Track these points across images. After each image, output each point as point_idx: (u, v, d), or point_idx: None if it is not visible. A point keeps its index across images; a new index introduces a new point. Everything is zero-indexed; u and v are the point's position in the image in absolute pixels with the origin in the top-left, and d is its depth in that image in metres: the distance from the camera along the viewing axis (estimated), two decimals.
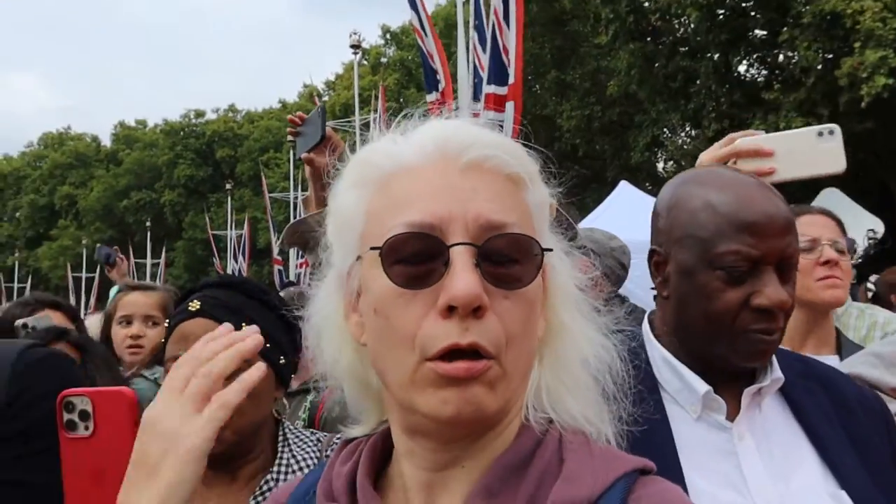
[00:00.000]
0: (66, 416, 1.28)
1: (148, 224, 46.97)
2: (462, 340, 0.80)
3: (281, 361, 1.67)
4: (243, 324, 1.59)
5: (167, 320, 1.71)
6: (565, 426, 0.92)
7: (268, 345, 1.59)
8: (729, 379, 1.44)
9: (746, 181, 1.47)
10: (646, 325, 1.57)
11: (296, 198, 27.12)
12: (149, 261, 40.89)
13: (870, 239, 15.44)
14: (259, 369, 1.08)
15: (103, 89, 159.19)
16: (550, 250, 0.88)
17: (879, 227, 16.43)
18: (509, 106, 6.75)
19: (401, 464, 0.93)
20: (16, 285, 45.03)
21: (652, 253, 1.53)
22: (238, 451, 1.60)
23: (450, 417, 0.82)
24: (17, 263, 54.85)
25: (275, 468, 1.63)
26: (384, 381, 0.89)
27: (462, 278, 0.80)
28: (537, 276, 0.86)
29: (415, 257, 0.83)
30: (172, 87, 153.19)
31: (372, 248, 0.85)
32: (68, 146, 69.00)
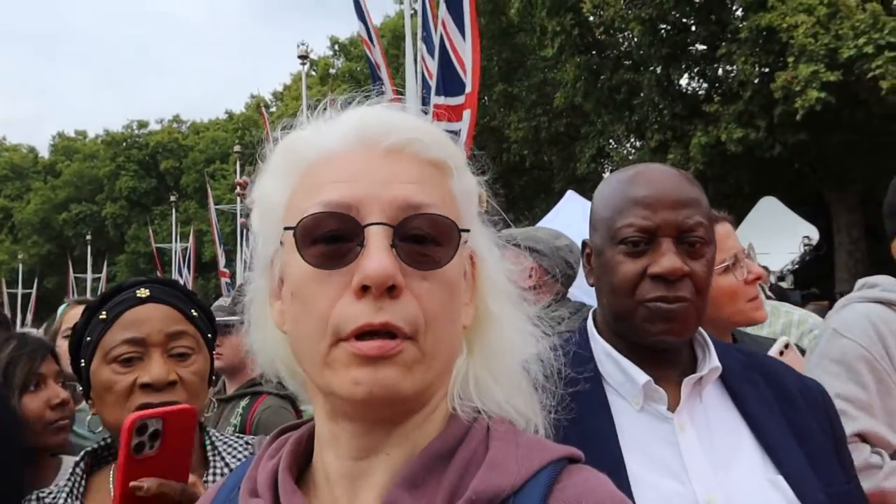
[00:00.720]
0: (136, 440, 1.28)
1: (88, 237, 45.56)
2: (375, 320, 0.80)
3: (214, 356, 1.72)
4: (192, 311, 1.64)
5: (102, 311, 1.63)
6: (493, 416, 0.92)
7: (209, 335, 1.67)
8: (668, 368, 1.49)
9: (655, 166, 1.57)
10: (590, 321, 1.62)
11: (242, 210, 26.68)
12: (89, 275, 39.63)
13: (805, 245, 16.04)
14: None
15: (42, 99, 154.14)
16: (468, 231, 0.88)
17: (814, 234, 17.08)
18: (466, 114, 6.83)
19: (324, 455, 0.92)
20: None
21: (583, 246, 1.63)
22: None
23: (362, 398, 0.81)
24: None
25: (209, 477, 1.60)
26: (302, 366, 0.89)
27: (375, 258, 0.80)
28: (455, 257, 0.85)
29: (330, 237, 0.83)
30: (114, 97, 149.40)
31: (286, 229, 0.86)
32: (3, 157, 66.45)
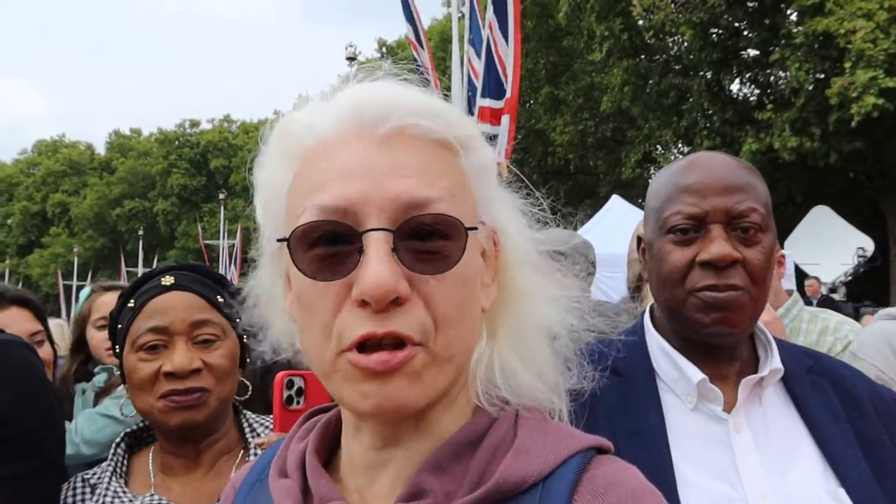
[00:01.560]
0: (286, 393, 1.55)
1: (140, 233, 46.79)
2: (378, 329, 0.76)
3: (244, 339, 1.69)
4: (219, 297, 1.64)
5: (129, 300, 1.66)
6: (522, 404, 0.89)
7: (238, 319, 1.65)
8: (725, 366, 1.43)
9: (710, 154, 1.52)
10: (647, 315, 1.57)
11: None
12: (140, 269, 40.71)
13: (859, 257, 15.57)
14: None
15: (99, 97, 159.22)
16: (475, 228, 0.81)
17: (869, 245, 16.54)
18: (505, 119, 6.81)
19: (349, 442, 0.90)
20: None
21: (639, 241, 1.57)
22: (211, 426, 1.61)
23: (370, 412, 0.79)
24: (7, 271, 54.58)
25: (249, 456, 1.64)
26: (314, 370, 0.86)
27: (373, 270, 0.74)
28: (464, 254, 0.79)
29: (327, 246, 0.78)
30: (168, 95, 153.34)
31: (279, 240, 0.82)
32: (62, 153, 68.84)
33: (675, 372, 1.44)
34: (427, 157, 0.81)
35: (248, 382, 1.73)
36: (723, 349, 1.44)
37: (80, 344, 3.14)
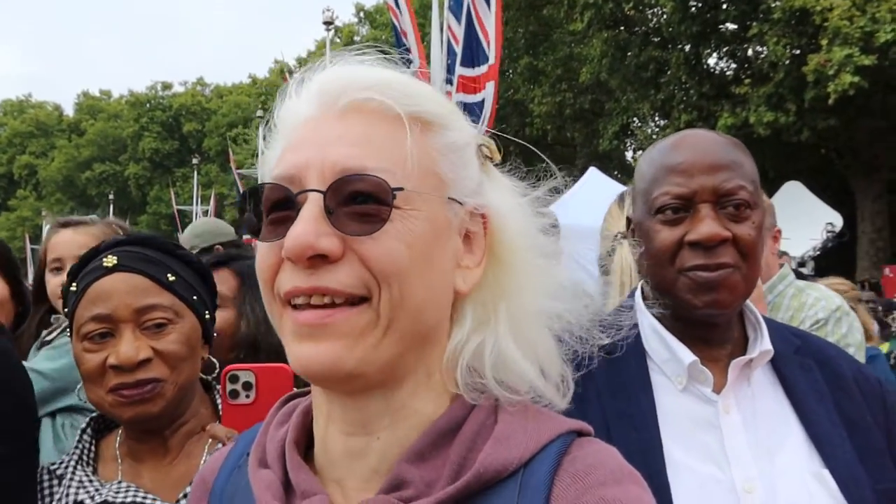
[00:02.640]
0: (230, 387, 1.50)
1: (111, 197, 46.10)
2: (303, 284, 0.78)
3: (206, 316, 1.58)
4: (168, 276, 1.50)
5: (72, 282, 1.53)
6: (506, 390, 0.87)
7: (194, 297, 1.54)
8: (716, 347, 1.43)
9: (697, 132, 1.52)
10: (638, 294, 1.56)
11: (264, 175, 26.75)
12: None
13: (828, 232, 15.85)
14: None
15: (67, 57, 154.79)
16: (401, 189, 0.80)
17: (838, 220, 16.83)
18: (490, 85, 6.77)
19: (325, 427, 0.89)
20: None
21: (628, 222, 1.57)
22: (172, 414, 1.51)
23: (305, 373, 0.80)
24: None
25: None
26: None
27: (296, 227, 0.77)
28: (396, 220, 0.79)
29: (277, 209, 0.82)
30: (139, 57, 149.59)
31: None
32: (28, 114, 67.02)
33: (665, 352, 1.44)
34: (375, 130, 0.82)
35: (215, 360, 1.62)
36: (715, 330, 1.44)
37: (41, 290, 2.67)
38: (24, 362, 2.28)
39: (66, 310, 1.54)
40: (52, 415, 2.29)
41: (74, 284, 1.52)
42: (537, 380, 0.88)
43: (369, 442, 0.85)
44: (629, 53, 22.06)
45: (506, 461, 0.80)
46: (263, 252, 0.83)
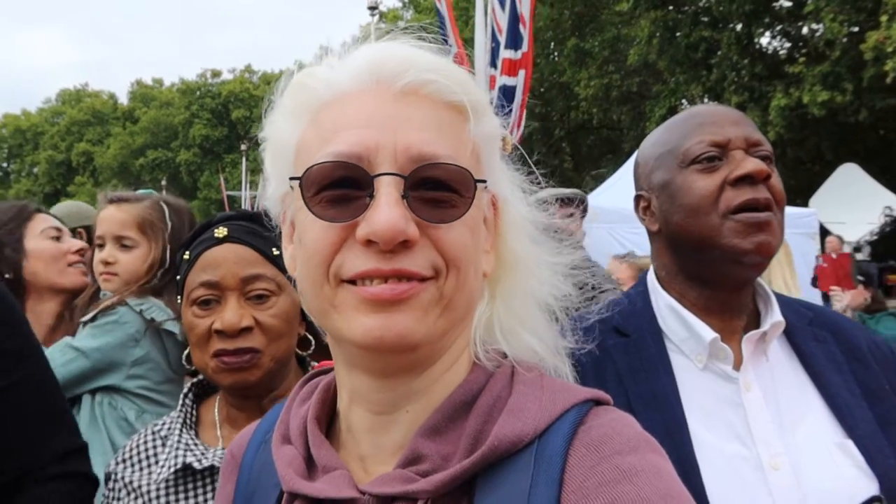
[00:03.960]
0: None
1: (163, 183, 47.06)
2: (384, 266, 0.77)
3: None
4: (273, 250, 1.55)
5: (185, 251, 1.61)
6: (519, 360, 0.90)
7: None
8: (734, 319, 1.43)
9: (702, 105, 1.56)
10: (650, 275, 1.56)
11: None
12: None
13: (886, 216, 15.28)
14: None
15: (121, 46, 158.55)
16: (484, 181, 0.84)
17: None
18: (521, 73, 6.71)
19: (348, 406, 0.90)
20: None
21: (637, 199, 1.56)
22: (270, 384, 1.57)
23: (372, 344, 0.79)
24: None
25: None
26: (310, 312, 0.87)
27: (384, 211, 0.76)
28: (470, 208, 0.81)
29: (338, 188, 0.80)
30: (189, 45, 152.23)
31: (292, 179, 0.84)
32: (86, 103, 69.00)
33: (684, 331, 1.43)
34: (439, 118, 0.83)
35: (311, 337, 1.67)
36: (740, 294, 1.43)
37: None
38: (67, 338, 2.36)
39: (178, 277, 1.63)
40: (92, 393, 2.30)
41: (187, 253, 1.60)
42: (538, 347, 0.92)
43: (396, 417, 0.86)
44: (678, 34, 21.54)
45: (520, 432, 0.80)
46: (320, 230, 0.81)
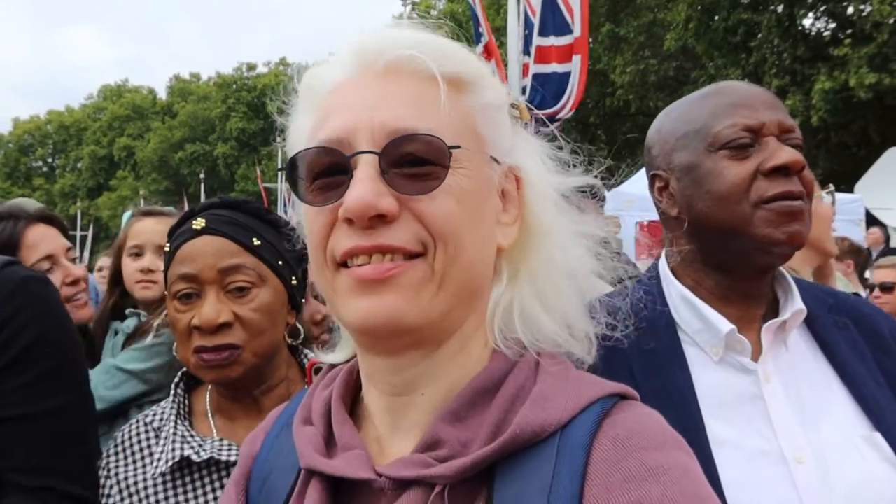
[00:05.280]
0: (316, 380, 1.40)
1: (202, 176, 47.87)
2: (364, 243, 0.78)
3: (292, 282, 1.58)
4: (253, 240, 1.51)
5: (168, 243, 1.59)
6: (542, 351, 0.88)
7: (279, 262, 1.53)
8: (753, 308, 1.36)
9: (726, 81, 1.45)
10: (662, 263, 1.48)
11: None
12: None
13: None
14: None
15: (158, 42, 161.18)
16: (458, 147, 0.81)
17: None
18: (576, 59, 6.62)
19: (367, 388, 0.92)
20: (78, 233, 46.76)
21: (653, 179, 1.47)
22: (257, 377, 1.53)
23: (362, 327, 0.80)
24: (79, 212, 56.88)
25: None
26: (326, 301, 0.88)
27: (355, 188, 0.78)
28: (448, 177, 0.80)
29: (324, 173, 0.82)
30: (224, 39, 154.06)
31: (278, 170, 0.85)
32: (126, 98, 70.45)
33: (698, 322, 1.36)
34: (419, 90, 0.83)
35: (300, 326, 1.63)
36: (762, 282, 1.36)
37: (117, 276, 2.71)
38: (111, 360, 2.31)
39: (164, 271, 1.59)
40: (140, 405, 2.30)
41: (168, 245, 1.57)
42: (560, 335, 0.89)
43: (412, 399, 0.86)
44: (716, 17, 21.08)
45: (544, 422, 0.79)
46: (313, 216, 0.84)
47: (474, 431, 0.81)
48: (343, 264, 0.81)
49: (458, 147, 0.81)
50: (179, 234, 1.55)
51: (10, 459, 1.39)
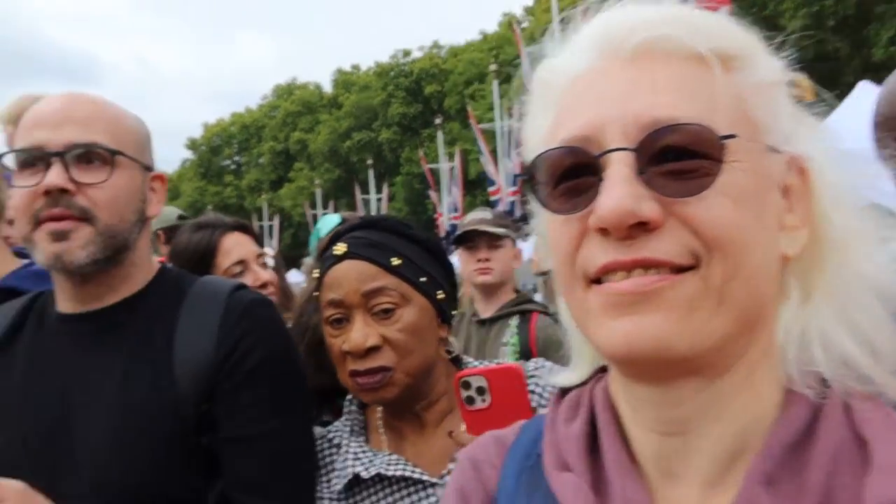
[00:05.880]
0: (464, 394, 1.41)
1: (370, 162, 50.12)
2: (623, 257, 0.67)
3: (439, 296, 1.59)
4: (392, 259, 1.54)
5: (316, 268, 1.64)
6: (851, 390, 0.70)
7: (423, 279, 1.56)
8: None
9: None
10: None
11: (502, 127, 27.42)
12: (373, 196, 43.91)
13: None
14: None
15: (315, 38, 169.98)
16: (733, 136, 0.67)
17: None
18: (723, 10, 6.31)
19: (627, 425, 0.78)
20: (266, 223, 50.87)
21: (881, 125, 1.23)
22: (415, 395, 1.55)
23: (620, 355, 0.68)
24: (265, 204, 61.91)
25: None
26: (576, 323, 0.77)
27: (608, 192, 0.66)
28: (722, 173, 0.67)
29: (573, 177, 0.71)
30: (378, 28, 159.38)
31: (516, 176, 0.83)
32: (296, 95, 75.17)
33: None
34: (679, 73, 0.70)
35: (452, 340, 1.63)
36: None
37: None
38: None
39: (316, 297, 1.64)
40: None
41: (317, 270, 1.62)
42: (875, 371, 0.70)
43: (688, 441, 0.72)
44: None
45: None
46: (559, 226, 0.73)
47: (793, 500, 0.66)
48: (596, 280, 0.70)
49: (732, 136, 0.68)
50: (325, 260, 1.59)
51: (234, 479, 1.48)
